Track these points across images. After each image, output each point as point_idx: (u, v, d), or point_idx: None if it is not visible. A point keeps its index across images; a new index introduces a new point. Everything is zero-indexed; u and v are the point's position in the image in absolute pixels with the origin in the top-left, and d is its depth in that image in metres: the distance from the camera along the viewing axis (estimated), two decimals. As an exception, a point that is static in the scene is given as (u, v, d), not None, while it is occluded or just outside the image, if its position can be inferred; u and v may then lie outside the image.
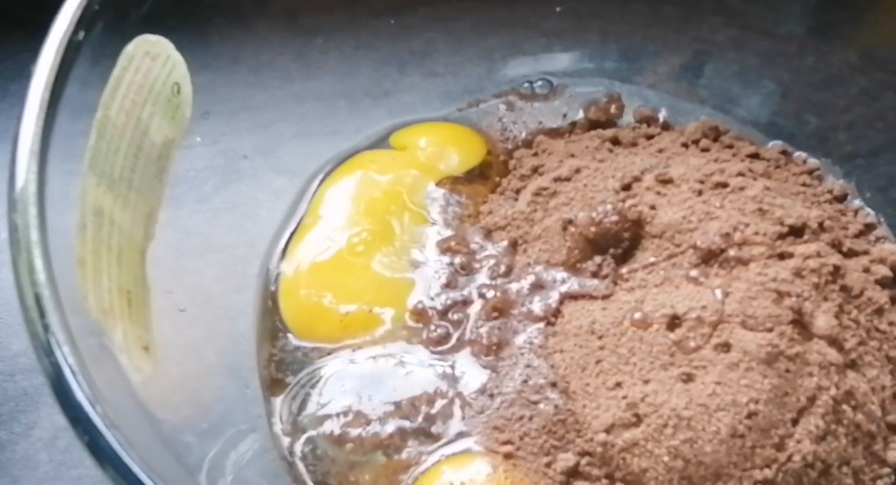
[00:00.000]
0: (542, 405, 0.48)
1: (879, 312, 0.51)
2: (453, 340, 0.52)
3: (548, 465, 0.47)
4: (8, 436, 0.58)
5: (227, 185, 0.58)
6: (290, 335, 0.53)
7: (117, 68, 0.44)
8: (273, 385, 0.52)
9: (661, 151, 0.58)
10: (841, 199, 0.57)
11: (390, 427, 0.49)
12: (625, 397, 0.47)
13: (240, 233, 0.58)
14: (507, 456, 0.48)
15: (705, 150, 0.58)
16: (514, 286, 0.53)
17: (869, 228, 0.56)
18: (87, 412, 0.34)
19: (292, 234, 0.57)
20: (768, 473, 0.45)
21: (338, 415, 0.50)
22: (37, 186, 0.38)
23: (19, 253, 0.37)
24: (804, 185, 0.57)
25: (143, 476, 0.32)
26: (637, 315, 0.49)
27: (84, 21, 0.42)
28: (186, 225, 0.53)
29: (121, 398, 0.37)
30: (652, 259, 0.51)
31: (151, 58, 0.46)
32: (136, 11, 0.46)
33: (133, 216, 0.45)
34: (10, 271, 0.61)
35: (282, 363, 0.53)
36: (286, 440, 0.50)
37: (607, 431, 0.47)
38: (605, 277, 0.52)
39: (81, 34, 0.42)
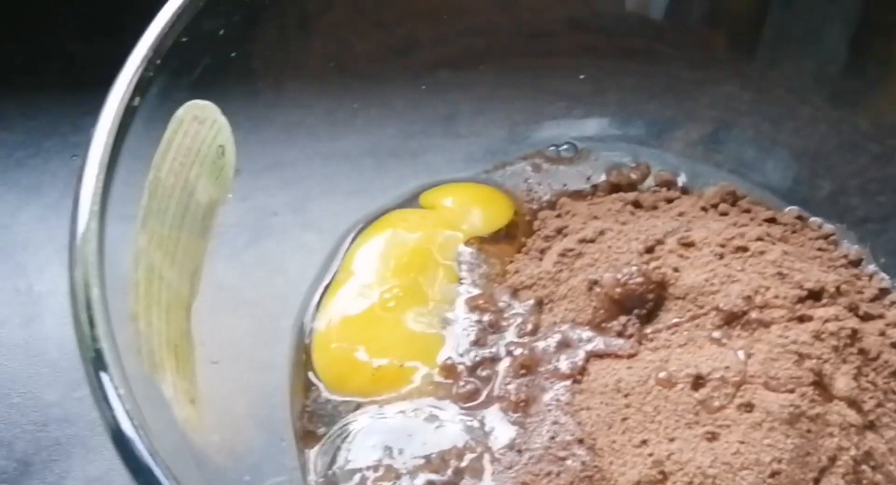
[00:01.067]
0: (569, 461, 0.50)
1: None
2: (482, 396, 0.53)
3: (576, 521, 0.49)
4: (41, 485, 0.59)
5: (257, 241, 0.59)
6: (322, 388, 0.55)
7: (168, 131, 0.46)
8: (306, 437, 0.53)
9: (681, 214, 0.60)
10: (856, 263, 0.59)
11: (420, 481, 0.51)
12: (651, 455, 0.48)
13: (270, 287, 0.59)
14: (535, 512, 0.49)
15: (724, 214, 0.60)
16: (540, 344, 0.54)
17: (883, 292, 0.57)
18: (147, 465, 0.35)
19: (325, 289, 0.59)
20: (792, 531, 0.47)
21: (369, 468, 0.51)
22: (97, 246, 0.40)
23: (79, 310, 0.38)
24: (820, 249, 0.59)
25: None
26: (662, 374, 0.50)
27: (140, 87, 0.44)
28: (219, 279, 0.54)
29: (174, 449, 0.38)
30: (675, 320, 0.53)
31: (199, 122, 0.48)
32: (187, 77, 0.48)
33: (180, 273, 0.47)
34: (43, 325, 0.64)
35: (314, 415, 0.54)
36: (320, 493, 0.51)
37: (634, 487, 0.48)
38: (630, 336, 0.53)
39: (137, 100, 0.44)
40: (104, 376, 0.37)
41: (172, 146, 0.46)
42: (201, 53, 0.49)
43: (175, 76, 0.47)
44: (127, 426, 0.36)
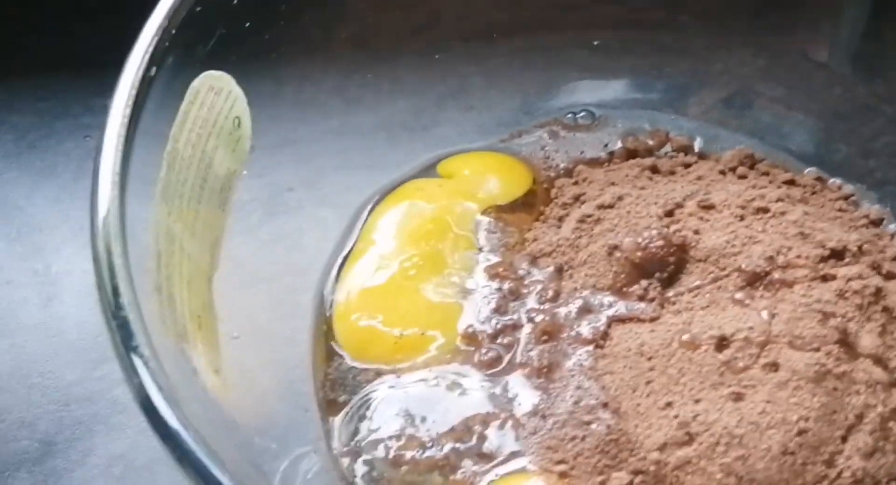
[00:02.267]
0: (594, 426, 0.49)
1: (921, 332, 0.52)
2: (504, 363, 0.53)
3: (602, 484, 0.48)
4: (64, 464, 0.59)
5: (273, 216, 0.59)
6: (344, 357, 0.55)
7: (185, 102, 0.46)
8: (329, 407, 0.53)
9: (699, 178, 0.59)
10: (877, 223, 0.58)
11: (445, 449, 0.50)
12: (676, 417, 0.48)
13: (288, 262, 0.60)
14: (562, 475, 0.49)
15: (742, 177, 0.60)
16: (562, 310, 0.54)
17: (907, 250, 0.57)
18: (177, 430, 0.35)
19: (343, 261, 0.59)
20: (820, 489, 0.47)
21: (392, 438, 0.51)
22: (119, 216, 0.40)
23: (104, 279, 0.38)
24: (841, 210, 0.58)
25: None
26: (685, 337, 0.50)
27: (156, 57, 0.44)
28: (236, 255, 0.54)
29: (203, 416, 0.38)
30: (697, 282, 0.53)
31: (215, 92, 0.48)
32: (201, 48, 0.48)
33: (201, 245, 0.47)
34: (62, 305, 0.65)
35: (336, 383, 0.54)
36: (345, 461, 0.51)
37: (660, 449, 0.48)
38: (652, 300, 0.53)
39: (153, 70, 0.44)
40: (131, 344, 0.37)
41: (189, 117, 0.46)
42: (216, 23, 0.48)
43: (190, 47, 0.47)
44: (155, 393, 0.36)
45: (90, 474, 0.59)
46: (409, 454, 0.51)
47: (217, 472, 0.34)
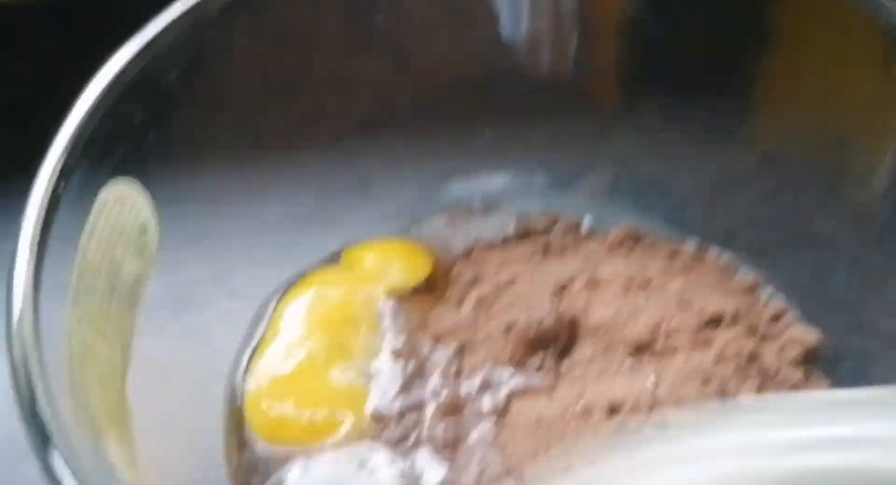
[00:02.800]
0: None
1: (795, 388, 0.56)
2: (412, 440, 0.56)
3: None
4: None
5: (182, 312, 0.60)
6: (257, 443, 0.57)
7: (92, 214, 0.49)
8: (245, 493, 0.55)
9: (588, 256, 0.63)
10: (753, 289, 0.63)
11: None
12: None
13: (198, 357, 0.60)
14: None
15: (630, 251, 0.64)
16: (464, 387, 0.57)
17: (779, 314, 0.61)
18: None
19: (253, 352, 0.61)
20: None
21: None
22: (32, 323, 0.42)
23: (21, 384, 0.41)
24: (720, 278, 0.63)
25: None
26: (579, 407, 0.53)
27: (64, 174, 0.47)
28: (146, 353, 0.55)
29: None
30: (589, 353, 0.56)
31: (121, 203, 0.51)
32: (108, 161, 0.50)
33: (111, 347, 0.49)
34: None
35: (250, 469, 0.56)
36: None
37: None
38: (549, 371, 0.56)
39: (62, 186, 0.47)
40: (50, 447, 0.39)
41: (97, 228, 0.49)
42: (120, 138, 0.51)
43: (97, 161, 0.49)
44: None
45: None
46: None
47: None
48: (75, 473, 0.38)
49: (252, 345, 0.62)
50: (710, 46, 0.64)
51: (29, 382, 0.41)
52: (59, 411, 0.41)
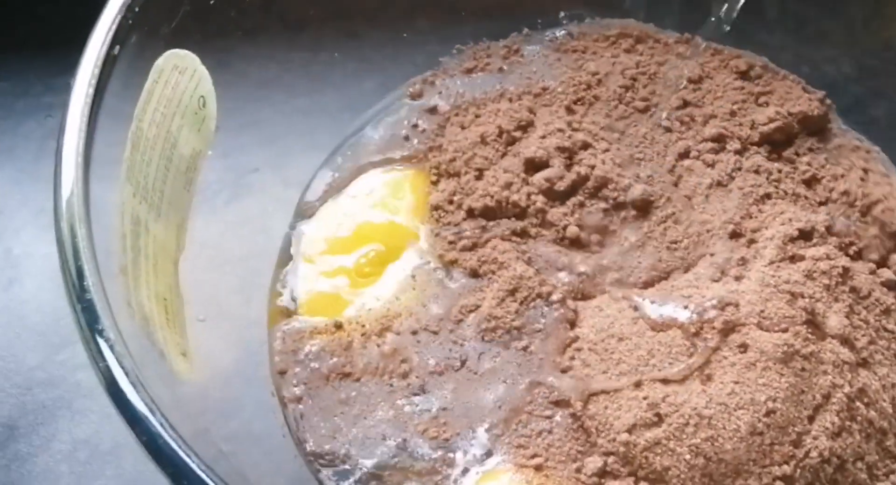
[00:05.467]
0: (558, 417, 0.49)
1: (887, 312, 0.52)
2: None
3: (578, 470, 0.48)
4: (28, 449, 0.58)
5: (238, 198, 0.58)
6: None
7: (149, 81, 0.46)
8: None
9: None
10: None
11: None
12: (646, 398, 0.48)
13: (253, 245, 0.59)
14: (538, 468, 0.49)
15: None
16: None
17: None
18: (144, 415, 0.34)
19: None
20: (787, 469, 0.47)
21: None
22: (83, 197, 0.39)
23: (68, 262, 0.38)
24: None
25: (203, 475, 0.33)
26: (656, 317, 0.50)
27: (119, 36, 0.43)
28: (200, 237, 0.53)
29: (170, 398, 0.38)
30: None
31: (180, 71, 0.47)
32: (165, 26, 0.47)
33: (166, 226, 0.46)
34: (23, 288, 0.63)
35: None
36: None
37: (629, 431, 0.48)
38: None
39: (117, 49, 0.43)
40: (96, 327, 0.36)
41: (154, 96, 0.45)
42: (180, 1, 0.48)
43: (154, 24, 0.46)
44: (121, 377, 0.35)
45: (54, 458, 0.58)
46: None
47: (183, 455, 0.34)
48: (122, 359, 0.35)
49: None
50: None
51: (77, 260, 0.38)
52: (108, 292, 0.38)
